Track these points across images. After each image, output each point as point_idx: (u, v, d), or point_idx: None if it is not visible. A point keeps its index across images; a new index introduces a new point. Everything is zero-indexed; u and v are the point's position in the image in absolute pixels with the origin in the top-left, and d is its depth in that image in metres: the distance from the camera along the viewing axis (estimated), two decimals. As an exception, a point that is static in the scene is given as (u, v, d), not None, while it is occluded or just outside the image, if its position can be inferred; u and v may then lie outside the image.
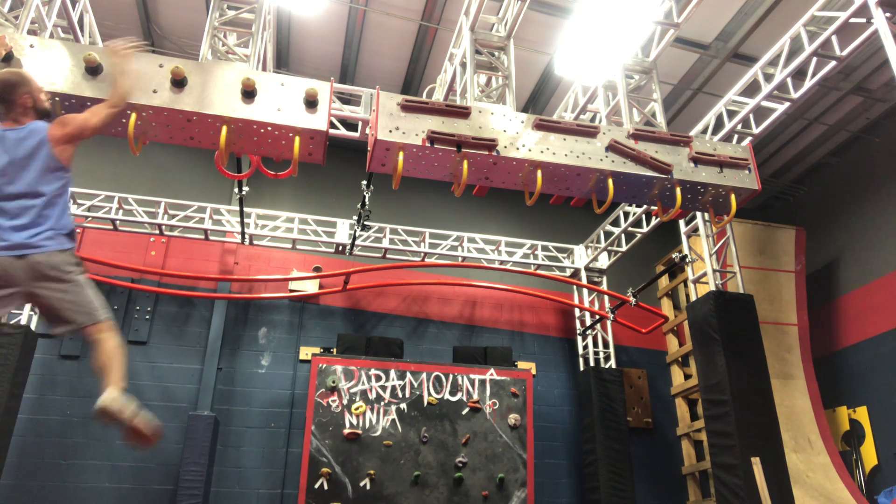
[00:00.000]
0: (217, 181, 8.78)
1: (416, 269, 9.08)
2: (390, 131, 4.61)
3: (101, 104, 3.49)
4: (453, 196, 5.20)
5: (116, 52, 3.68)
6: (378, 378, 7.55)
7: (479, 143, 4.73)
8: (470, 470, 7.37)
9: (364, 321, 8.90)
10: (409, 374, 7.66)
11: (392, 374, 7.62)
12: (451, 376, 7.76)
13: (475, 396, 7.72)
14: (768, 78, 6.12)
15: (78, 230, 8.15)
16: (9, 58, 4.08)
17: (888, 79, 7.91)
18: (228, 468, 7.63)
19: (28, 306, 7.16)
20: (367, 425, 7.30)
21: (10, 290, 2.96)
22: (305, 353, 8.28)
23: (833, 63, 5.62)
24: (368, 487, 7.03)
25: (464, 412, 7.62)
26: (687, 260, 7.35)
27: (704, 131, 6.94)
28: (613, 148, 5.06)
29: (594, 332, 9.15)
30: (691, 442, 9.14)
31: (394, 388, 7.56)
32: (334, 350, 7.85)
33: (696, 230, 7.39)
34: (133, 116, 4.21)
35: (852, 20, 5.26)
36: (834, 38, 5.48)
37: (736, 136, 6.70)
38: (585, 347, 9.19)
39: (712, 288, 6.82)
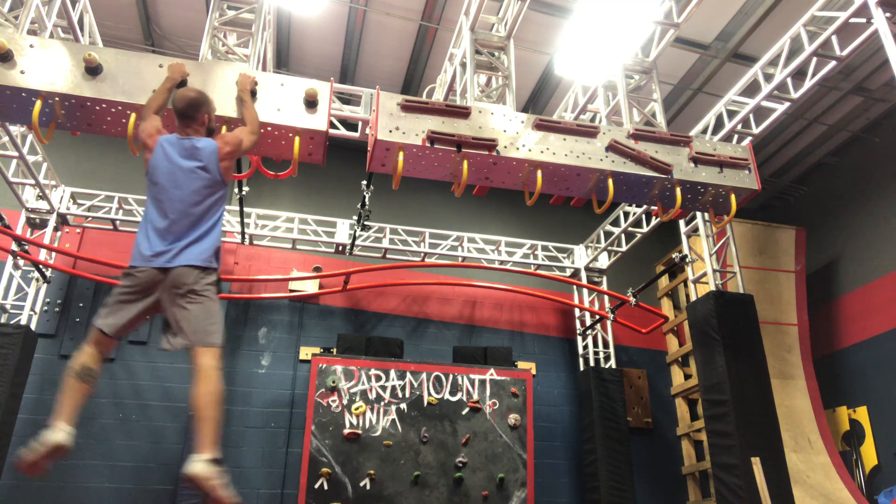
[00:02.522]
0: (217, 181, 8.75)
1: (416, 269, 9.07)
2: (390, 131, 4.61)
3: (244, 129, 3.80)
4: (453, 196, 5.20)
5: (238, 82, 4.21)
6: (378, 378, 7.56)
7: (479, 143, 4.73)
8: (470, 470, 7.37)
9: (364, 321, 8.90)
10: (409, 374, 7.66)
11: (392, 374, 7.62)
12: (451, 376, 7.76)
13: (475, 396, 7.72)
14: (768, 78, 6.12)
15: (78, 231, 8.16)
16: (7, 57, 4.09)
17: (888, 79, 7.90)
18: (228, 468, 7.51)
19: (28, 306, 7.17)
20: (367, 425, 7.30)
21: (149, 299, 3.06)
22: (305, 353, 8.28)
23: (833, 63, 5.62)
24: (368, 487, 7.04)
25: (464, 412, 7.62)
26: (687, 260, 7.35)
27: (704, 131, 6.93)
28: (613, 148, 5.06)
29: (594, 332, 9.14)
30: (691, 442, 9.13)
31: (394, 388, 7.56)
32: (334, 350, 7.85)
33: (696, 230, 7.39)
34: (133, 116, 4.20)
35: (852, 20, 5.25)
36: (834, 38, 5.47)
37: (736, 136, 6.70)
38: (585, 347, 9.19)
39: (712, 288, 6.82)
